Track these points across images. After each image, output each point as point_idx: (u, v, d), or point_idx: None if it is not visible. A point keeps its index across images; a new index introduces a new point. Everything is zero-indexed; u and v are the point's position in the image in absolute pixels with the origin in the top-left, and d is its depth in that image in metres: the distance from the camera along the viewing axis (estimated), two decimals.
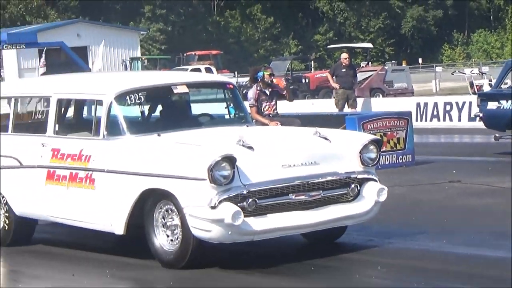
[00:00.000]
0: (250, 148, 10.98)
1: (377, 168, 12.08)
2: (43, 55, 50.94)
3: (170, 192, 10.87)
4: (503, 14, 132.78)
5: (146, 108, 12.97)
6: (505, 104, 20.07)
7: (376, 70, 49.78)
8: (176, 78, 14.12)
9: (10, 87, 16.77)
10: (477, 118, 21.52)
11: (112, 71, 58.18)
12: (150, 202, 11.21)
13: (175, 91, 12.80)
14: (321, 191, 11.25)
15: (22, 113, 14.43)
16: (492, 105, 20.41)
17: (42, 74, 41.89)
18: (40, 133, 12.84)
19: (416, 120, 28.27)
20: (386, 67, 53.81)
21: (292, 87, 43.87)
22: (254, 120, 17.59)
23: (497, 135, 20.90)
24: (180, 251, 10.97)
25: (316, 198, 11.20)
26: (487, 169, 18.72)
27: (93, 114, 12.66)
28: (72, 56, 29.37)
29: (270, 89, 19.36)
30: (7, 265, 12.63)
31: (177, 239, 11.01)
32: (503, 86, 21.29)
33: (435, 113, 32.07)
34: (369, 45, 72.49)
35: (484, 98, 21.34)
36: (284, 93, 19.90)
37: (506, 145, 20.85)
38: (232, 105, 13.15)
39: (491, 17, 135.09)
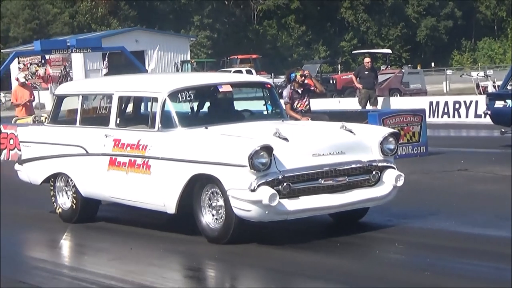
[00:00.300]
0: (285, 139, 10.97)
1: (395, 158, 12.02)
2: (106, 58, 51.09)
3: (215, 177, 10.87)
4: (505, 24, 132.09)
5: (195, 104, 12.96)
6: (510, 103, 19.97)
7: (394, 73, 49.59)
8: (221, 78, 14.11)
9: (78, 86, 16.84)
10: (486, 115, 21.32)
11: (165, 73, 58.28)
12: (198, 186, 11.22)
13: (220, 90, 12.82)
14: (346, 177, 11.23)
15: (88, 108, 14.46)
16: (499, 103, 20.33)
17: (105, 75, 42.03)
18: (104, 125, 12.86)
19: (429, 117, 28.13)
20: (403, 70, 53.52)
21: (323, 86, 43.80)
22: (288, 116, 17.60)
23: (503, 130, 20.77)
24: (224, 229, 10.98)
25: (342, 183, 11.18)
26: (491, 160, 18.62)
27: (149, 109, 12.67)
28: (131, 59, 29.44)
29: (301, 88, 19.45)
30: (74, 239, 12.67)
31: (221, 218, 11.01)
32: (509, 87, 21.17)
33: (445, 110, 31.96)
34: (389, 51, 72.22)
35: (492, 97, 21.28)
36: (312, 88, 19.94)
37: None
38: (269, 102, 13.13)
39: (495, 27, 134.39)
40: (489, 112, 20.92)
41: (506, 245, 10.30)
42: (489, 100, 21.28)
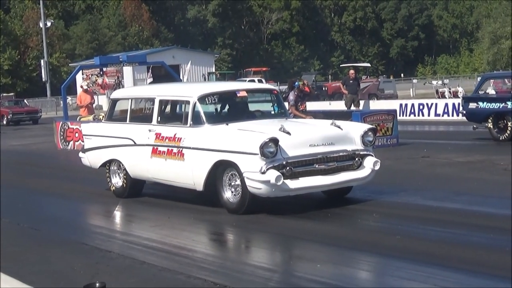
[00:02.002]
0: (288, 133, 10.94)
1: (373, 147, 11.97)
2: (150, 70, 51.19)
3: (234, 162, 10.86)
4: (458, 44, 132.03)
5: (218, 106, 12.93)
6: (482, 104, 19.89)
7: (372, 81, 49.52)
8: (239, 86, 14.06)
9: (128, 91, 16.82)
10: (462, 115, 21.15)
11: (195, 82, 58.26)
12: (220, 169, 11.19)
13: (238, 95, 12.79)
14: (335, 162, 11.21)
15: (136, 108, 14.45)
16: (472, 105, 20.19)
17: (149, 83, 42.06)
18: (148, 122, 12.83)
19: (400, 115, 28.01)
20: (379, 79, 53.43)
21: (316, 92, 43.74)
22: (292, 115, 17.60)
23: (474, 126, 20.52)
24: (240, 202, 10.97)
25: (332, 167, 11.15)
26: (448, 149, 18.52)
27: (183, 110, 12.68)
28: (169, 71, 29.33)
29: (301, 94, 19.72)
30: (124, 211, 12.65)
31: (238, 194, 11.00)
32: (480, 92, 21.12)
33: (412, 111, 31.84)
34: (368, 64, 72.27)
35: (466, 100, 21.00)
36: (308, 93, 20.42)
37: (480, 133, 20.49)
38: (276, 104, 13.09)
39: (450, 46, 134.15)
40: (464, 112, 20.68)
41: (460, 215, 10.31)
42: (464, 102, 21.01)
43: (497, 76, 32.97)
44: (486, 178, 13.70)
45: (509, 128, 19.21)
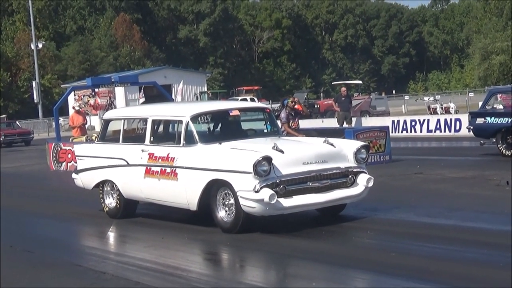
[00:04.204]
0: (281, 151, 10.94)
1: (366, 164, 11.98)
2: (142, 90, 51.23)
3: (227, 181, 10.84)
4: (449, 60, 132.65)
5: (211, 125, 12.94)
6: (489, 120, 19.66)
7: (364, 99, 49.65)
8: (231, 105, 14.07)
9: (121, 112, 16.81)
10: (470, 130, 20.68)
11: (187, 101, 58.28)
12: (214, 188, 11.17)
13: (230, 113, 12.78)
14: (329, 180, 11.20)
15: (128, 129, 14.44)
16: (479, 120, 19.94)
17: (142, 103, 42.07)
18: (141, 142, 12.82)
19: (392, 132, 28.09)
20: (371, 96, 53.60)
21: (309, 110, 43.78)
22: (285, 132, 17.64)
23: (481, 141, 20.12)
24: (234, 221, 10.95)
25: (325, 184, 11.14)
26: (441, 165, 18.56)
27: (176, 129, 12.67)
28: (161, 91, 29.33)
29: (293, 111, 19.75)
30: (118, 231, 12.63)
31: (232, 213, 10.98)
32: (487, 107, 20.73)
33: (404, 127, 31.92)
34: (360, 81, 72.23)
35: (473, 115, 20.62)
36: (301, 111, 20.35)
37: (488, 148, 20.23)
38: (268, 123, 13.08)
39: (441, 62, 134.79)
40: (472, 127, 20.31)
41: (454, 231, 10.31)
42: (471, 117, 20.61)
43: (504, 90, 32.25)
44: (479, 193, 13.72)
45: None
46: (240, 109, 13.05)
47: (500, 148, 19.28)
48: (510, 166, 16.20)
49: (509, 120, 19.11)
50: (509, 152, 19.04)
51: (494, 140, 19.51)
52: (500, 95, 29.49)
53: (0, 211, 15.35)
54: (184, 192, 11.58)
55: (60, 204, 16.39)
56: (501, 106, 26.85)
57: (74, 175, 14.77)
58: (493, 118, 19.63)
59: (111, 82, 28.62)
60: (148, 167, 12.35)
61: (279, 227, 11.23)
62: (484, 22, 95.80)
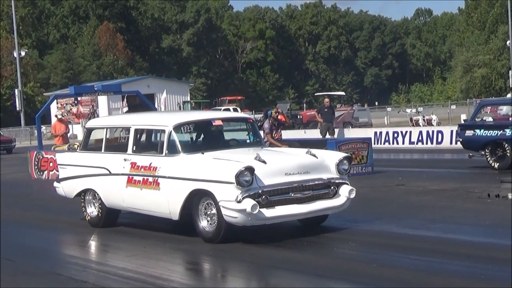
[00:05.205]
0: (264, 162, 10.95)
1: (349, 176, 12.01)
2: (125, 99, 51.07)
3: (210, 191, 10.84)
4: (431, 72, 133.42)
5: (194, 135, 12.94)
6: (479, 132, 19.63)
7: (347, 110, 49.69)
8: (214, 115, 14.11)
9: (103, 121, 16.77)
10: (458, 142, 20.77)
11: (170, 111, 58.23)
12: (196, 198, 11.17)
13: (213, 123, 12.80)
14: (311, 191, 11.21)
15: (111, 138, 14.40)
16: (469, 133, 19.92)
17: (125, 112, 41.97)
18: (123, 151, 12.81)
19: (374, 144, 28.17)
20: (353, 108, 53.67)
21: (291, 120, 43.82)
22: (268, 143, 17.66)
23: (470, 154, 20.12)
24: (216, 231, 10.94)
25: (307, 195, 11.16)
26: (422, 177, 18.62)
27: (158, 139, 12.66)
28: (144, 100, 29.29)
29: (276, 122, 19.78)
30: (99, 240, 12.59)
31: (214, 223, 10.97)
32: (476, 119, 20.55)
33: (387, 138, 31.94)
34: (342, 93, 72.36)
35: (463, 128, 20.57)
36: (284, 122, 20.43)
37: (476, 161, 20.22)
38: (251, 133, 13.10)
39: (424, 74, 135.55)
40: (461, 140, 20.29)
41: (435, 243, 10.33)
42: (461, 130, 20.58)
43: (494, 103, 32.34)
44: (460, 206, 13.78)
45: (508, 155, 18.86)
46: (223, 119, 13.07)
47: (489, 161, 19.31)
48: (496, 179, 16.30)
49: (499, 133, 19.16)
50: (497, 164, 19.10)
51: (483, 152, 19.50)
52: (490, 107, 29.56)
53: None
54: (166, 202, 11.56)
55: (41, 212, 16.32)
56: (490, 119, 26.89)
57: (56, 184, 14.72)
58: (482, 130, 19.63)
59: (94, 91, 28.55)
60: (130, 176, 12.32)
61: (261, 238, 11.22)
62: (466, 35, 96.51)
